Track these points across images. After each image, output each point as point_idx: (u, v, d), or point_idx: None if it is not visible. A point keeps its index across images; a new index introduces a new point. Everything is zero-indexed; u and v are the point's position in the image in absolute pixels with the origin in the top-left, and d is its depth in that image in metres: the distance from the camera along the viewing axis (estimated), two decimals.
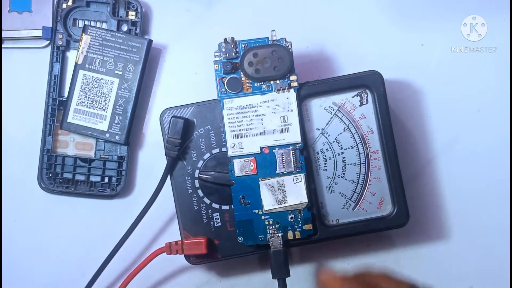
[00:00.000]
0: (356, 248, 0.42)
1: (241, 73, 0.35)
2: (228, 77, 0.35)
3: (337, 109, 0.38)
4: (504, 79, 0.43)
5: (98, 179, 0.42)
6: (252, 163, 0.35)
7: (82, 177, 0.42)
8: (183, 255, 0.38)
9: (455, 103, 0.43)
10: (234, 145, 0.35)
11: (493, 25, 0.43)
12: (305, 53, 0.43)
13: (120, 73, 0.40)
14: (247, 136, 0.35)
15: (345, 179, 0.37)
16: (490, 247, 0.43)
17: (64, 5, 0.42)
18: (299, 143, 0.35)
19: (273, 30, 0.35)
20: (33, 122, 0.42)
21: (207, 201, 0.38)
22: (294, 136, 0.35)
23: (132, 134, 0.42)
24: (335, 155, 0.37)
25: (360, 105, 0.38)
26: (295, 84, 0.35)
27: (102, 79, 0.40)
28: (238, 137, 0.35)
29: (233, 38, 0.35)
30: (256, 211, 0.35)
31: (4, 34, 0.42)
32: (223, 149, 0.38)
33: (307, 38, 0.44)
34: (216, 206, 0.38)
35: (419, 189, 0.43)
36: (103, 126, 0.41)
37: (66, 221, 0.42)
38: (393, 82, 0.43)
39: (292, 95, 0.35)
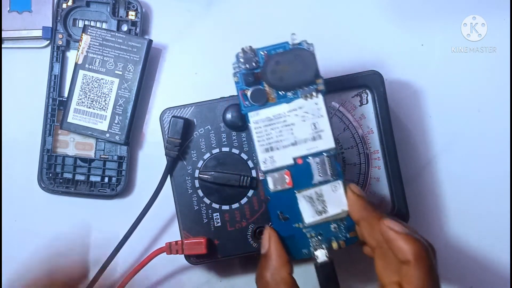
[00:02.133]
0: (355, 248, 0.42)
1: (264, 83, 0.32)
2: (251, 89, 0.32)
3: (337, 109, 0.38)
4: (504, 79, 0.43)
5: (98, 179, 0.42)
6: (286, 176, 0.33)
7: (82, 177, 0.42)
8: (183, 255, 0.38)
9: (455, 103, 0.43)
10: (265, 160, 0.32)
11: (493, 25, 0.43)
12: None
13: (120, 73, 0.40)
14: (278, 149, 0.32)
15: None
16: (490, 247, 0.43)
17: (64, 5, 0.42)
18: (333, 149, 0.33)
19: (294, 34, 0.32)
20: (33, 122, 0.42)
21: (207, 201, 0.38)
22: (327, 142, 0.32)
23: (132, 134, 0.42)
24: None
25: (360, 105, 0.38)
26: (322, 87, 0.32)
27: (102, 79, 0.40)
28: (269, 151, 0.32)
29: (251, 47, 0.32)
30: (297, 225, 0.33)
31: (4, 34, 0.42)
32: (223, 149, 0.38)
33: (307, 38, 0.43)
34: (216, 206, 0.38)
35: (419, 189, 0.43)
36: (103, 126, 0.41)
37: (66, 221, 0.42)
38: (393, 82, 0.43)
39: (320, 100, 0.32)
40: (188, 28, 0.44)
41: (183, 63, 0.44)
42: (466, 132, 0.43)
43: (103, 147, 0.42)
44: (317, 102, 0.32)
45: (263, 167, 0.32)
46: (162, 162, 0.39)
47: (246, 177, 0.37)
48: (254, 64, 0.32)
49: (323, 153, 0.33)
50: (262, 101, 0.32)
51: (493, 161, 0.43)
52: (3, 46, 0.43)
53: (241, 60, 0.32)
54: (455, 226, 0.43)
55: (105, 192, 0.42)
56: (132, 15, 0.42)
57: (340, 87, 0.37)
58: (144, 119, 0.43)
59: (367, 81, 0.37)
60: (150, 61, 0.42)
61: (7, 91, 0.43)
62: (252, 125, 0.32)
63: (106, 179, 0.42)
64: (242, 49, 0.32)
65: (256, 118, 0.32)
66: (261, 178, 0.33)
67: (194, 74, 0.43)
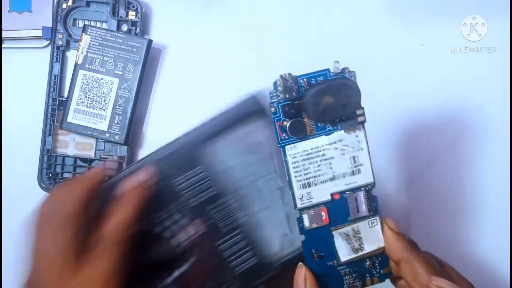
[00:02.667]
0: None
1: (304, 114, 0.30)
2: (290, 121, 0.29)
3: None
4: (504, 79, 0.43)
5: None
6: (323, 213, 0.31)
7: None
8: None
9: (455, 103, 0.43)
10: (302, 196, 0.30)
11: (493, 25, 0.43)
12: (305, 53, 0.43)
13: (120, 73, 0.40)
14: (315, 184, 0.30)
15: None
16: (490, 247, 0.43)
17: (64, 5, 0.42)
18: (371, 183, 0.31)
19: (337, 62, 0.31)
20: (33, 122, 0.42)
21: None
22: (366, 176, 0.31)
23: (132, 134, 0.42)
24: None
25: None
26: (362, 119, 0.30)
27: (102, 79, 0.40)
28: (306, 187, 0.30)
29: (290, 74, 0.29)
30: (331, 263, 0.31)
31: (4, 34, 0.42)
32: None
33: (307, 38, 0.44)
34: None
35: (419, 189, 0.43)
36: (103, 126, 0.41)
37: None
38: (393, 82, 0.43)
39: (361, 132, 0.30)
40: (188, 28, 0.44)
41: (183, 63, 0.44)
42: (466, 132, 0.43)
43: (103, 147, 0.42)
44: (358, 135, 0.30)
45: (299, 204, 0.30)
46: None
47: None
48: (294, 94, 0.29)
49: (361, 188, 0.31)
50: (301, 134, 0.30)
51: (493, 161, 0.43)
52: (3, 46, 0.43)
53: (280, 88, 0.29)
54: (455, 226, 0.43)
55: None
56: (132, 15, 0.42)
57: (224, 127, 0.34)
58: (144, 119, 0.43)
59: (249, 111, 0.34)
60: (150, 61, 0.42)
61: (7, 91, 0.43)
62: (289, 159, 0.30)
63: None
64: (281, 76, 0.29)
65: (294, 152, 0.30)
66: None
67: (194, 74, 0.43)
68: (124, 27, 0.42)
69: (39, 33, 0.42)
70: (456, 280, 0.30)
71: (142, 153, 0.43)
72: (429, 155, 0.43)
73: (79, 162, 0.42)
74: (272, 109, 0.30)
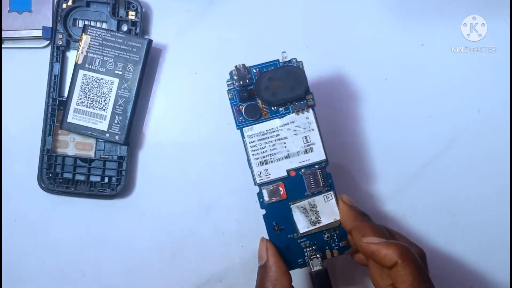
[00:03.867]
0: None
1: (258, 99, 0.34)
2: (245, 105, 0.34)
3: None
4: (504, 79, 0.43)
5: (98, 179, 0.42)
6: (281, 188, 0.34)
7: (82, 177, 0.42)
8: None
9: (455, 103, 0.43)
10: (260, 173, 0.34)
11: (493, 25, 0.43)
12: (305, 53, 0.43)
13: (120, 73, 0.40)
14: (272, 162, 0.34)
15: None
16: (490, 247, 0.43)
17: (64, 5, 0.42)
18: (324, 160, 0.34)
19: (284, 52, 0.34)
20: (33, 122, 0.42)
21: None
22: (318, 155, 0.34)
23: (132, 134, 0.42)
24: None
25: None
26: (312, 102, 0.34)
27: (102, 79, 0.40)
28: (264, 164, 0.34)
29: (244, 65, 0.34)
30: (291, 235, 0.35)
31: (4, 34, 0.42)
32: None
33: (307, 38, 0.44)
34: None
35: (419, 189, 0.43)
36: (103, 126, 0.41)
37: (66, 221, 0.42)
38: (393, 82, 0.43)
39: (310, 114, 0.34)
40: (188, 28, 0.44)
41: (183, 63, 0.43)
42: (466, 132, 0.43)
43: (103, 147, 0.42)
44: (308, 117, 0.34)
45: (258, 180, 0.34)
46: (162, 162, 0.39)
47: None
48: (247, 81, 0.34)
49: (315, 165, 0.34)
50: (256, 116, 0.34)
51: (493, 161, 0.43)
52: (3, 46, 0.43)
53: (235, 77, 0.34)
54: (455, 226, 0.43)
55: (105, 192, 0.42)
56: (132, 15, 0.42)
57: None
58: (144, 119, 0.43)
59: None
60: (150, 61, 0.42)
61: (7, 91, 0.43)
62: (247, 140, 0.34)
63: (106, 179, 0.42)
64: (236, 67, 0.34)
65: (250, 132, 0.34)
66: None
67: (194, 74, 0.43)
68: (124, 27, 0.42)
69: (39, 33, 0.42)
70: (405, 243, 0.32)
71: (142, 153, 0.43)
72: (429, 155, 0.43)
73: (79, 162, 0.42)
74: (229, 96, 0.34)
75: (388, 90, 0.43)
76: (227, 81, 0.34)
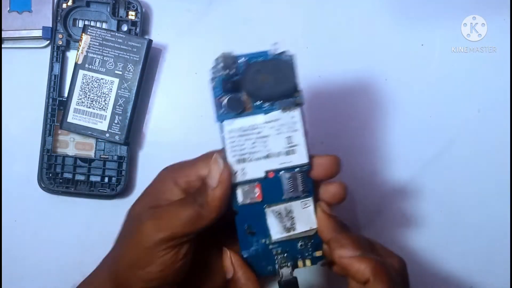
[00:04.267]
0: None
1: (243, 91, 0.31)
2: (228, 96, 0.31)
3: None
4: (504, 79, 0.43)
5: (98, 179, 0.42)
6: (257, 189, 0.31)
7: (82, 177, 0.42)
8: None
9: (455, 103, 0.43)
10: (237, 171, 0.31)
11: (493, 25, 0.43)
12: (305, 54, 0.43)
13: (120, 73, 0.40)
14: (250, 161, 0.31)
15: None
16: (490, 247, 0.43)
17: (64, 5, 0.42)
18: (306, 164, 0.31)
19: (276, 43, 0.31)
20: (33, 122, 0.42)
21: None
22: (300, 157, 0.31)
23: (132, 134, 0.42)
24: None
25: None
26: (300, 101, 0.31)
27: (102, 79, 0.40)
28: (241, 162, 0.31)
29: (231, 53, 0.31)
30: (263, 240, 0.32)
31: (4, 34, 0.42)
32: None
33: (307, 38, 0.44)
34: None
35: (419, 189, 0.43)
36: (103, 126, 0.41)
37: (66, 221, 0.42)
38: (393, 82, 0.43)
39: (297, 113, 0.31)
40: (188, 28, 0.44)
41: (183, 63, 0.43)
42: (466, 132, 0.43)
43: (103, 147, 0.42)
44: (294, 116, 0.31)
45: (233, 178, 0.31)
46: (162, 162, 0.39)
47: None
48: (234, 70, 0.31)
49: (296, 169, 0.31)
50: (238, 109, 0.31)
51: (493, 161, 0.43)
52: (3, 46, 0.43)
53: (220, 65, 0.31)
54: (455, 226, 0.43)
55: (105, 192, 0.42)
56: (132, 15, 0.42)
57: None
58: (144, 119, 0.43)
59: None
60: (150, 61, 0.42)
61: (7, 91, 0.43)
62: (226, 135, 0.31)
63: (106, 179, 0.42)
64: (222, 53, 0.31)
65: (231, 127, 0.31)
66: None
67: (194, 74, 0.43)
68: (124, 27, 0.42)
69: (39, 33, 0.42)
70: (384, 255, 0.31)
71: (142, 153, 0.43)
72: (429, 155, 0.43)
73: (79, 162, 0.42)
74: (212, 84, 0.31)
75: (388, 90, 0.43)
76: (211, 68, 0.31)
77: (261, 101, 0.31)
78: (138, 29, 0.42)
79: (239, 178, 0.31)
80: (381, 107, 0.43)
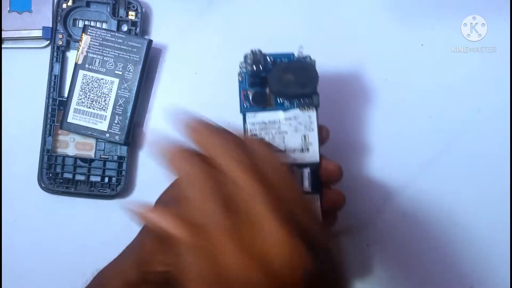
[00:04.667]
0: (356, 247, 0.42)
1: (268, 88, 0.34)
2: (255, 91, 0.33)
3: None
4: (504, 79, 0.43)
5: (98, 179, 0.42)
6: None
7: (82, 177, 0.42)
8: None
9: (455, 103, 0.43)
10: None
11: (493, 25, 0.43)
12: (304, 53, 0.43)
13: (120, 73, 0.40)
14: None
15: None
16: (490, 247, 0.43)
17: (64, 5, 0.42)
18: (316, 163, 0.34)
19: (301, 46, 0.34)
20: (33, 122, 0.42)
21: None
22: (312, 156, 0.33)
23: (132, 134, 0.42)
24: None
25: None
26: (317, 103, 0.34)
27: (102, 79, 0.40)
28: None
29: (260, 51, 0.33)
30: None
31: (4, 34, 0.42)
32: None
33: (306, 38, 0.43)
34: None
35: (418, 189, 0.43)
36: (103, 126, 0.41)
37: (66, 221, 0.42)
38: (393, 82, 0.43)
39: (313, 114, 0.34)
40: (188, 28, 0.44)
41: (183, 63, 0.43)
42: (466, 132, 0.43)
43: (103, 147, 0.42)
44: (311, 116, 0.34)
45: None
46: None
47: None
48: (260, 67, 0.33)
49: (307, 166, 0.33)
50: (262, 104, 0.33)
51: (493, 161, 0.43)
52: (3, 46, 0.43)
53: (249, 61, 0.33)
54: (455, 226, 0.43)
55: (105, 192, 0.42)
56: (132, 15, 0.42)
57: None
58: (144, 119, 0.43)
59: None
60: (150, 61, 0.42)
61: (7, 91, 0.43)
62: (248, 126, 0.33)
63: (106, 179, 0.42)
64: (252, 50, 0.33)
65: (253, 120, 0.33)
66: None
67: (194, 74, 0.43)
68: (124, 27, 0.42)
69: (39, 33, 0.42)
70: None
71: (142, 153, 0.43)
72: (429, 155, 0.43)
73: (79, 162, 0.42)
74: (240, 78, 0.34)
75: (388, 90, 0.43)
76: (240, 64, 0.34)
77: (283, 99, 0.34)
78: (138, 29, 0.42)
79: None
80: (381, 107, 0.43)
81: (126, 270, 0.32)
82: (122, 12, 0.42)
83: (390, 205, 0.43)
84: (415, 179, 0.43)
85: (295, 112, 0.34)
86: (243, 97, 0.34)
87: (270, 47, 0.43)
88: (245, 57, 0.33)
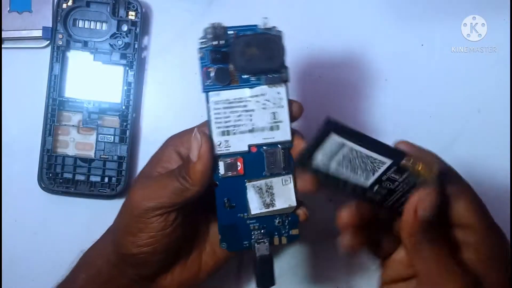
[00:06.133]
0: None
1: (230, 63, 0.31)
2: (216, 67, 0.30)
3: None
4: (504, 79, 0.43)
5: (98, 179, 0.42)
6: (239, 163, 0.31)
7: (82, 177, 0.42)
8: None
9: (455, 103, 0.43)
10: (220, 143, 0.31)
11: (493, 25, 0.43)
12: (305, 53, 0.43)
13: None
14: (234, 133, 0.31)
15: None
16: None
17: (64, 5, 0.42)
18: (288, 141, 0.32)
19: (266, 18, 0.31)
20: (33, 122, 0.42)
21: None
22: (284, 134, 0.31)
23: (132, 134, 0.42)
24: None
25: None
26: (285, 77, 0.31)
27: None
28: (225, 134, 0.31)
29: (220, 24, 0.30)
30: (241, 215, 0.32)
31: (4, 34, 0.42)
32: None
33: (307, 39, 0.44)
34: None
35: None
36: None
37: (66, 221, 0.42)
38: (393, 82, 0.43)
39: (283, 90, 0.31)
40: (188, 28, 0.44)
41: (183, 63, 0.43)
42: (466, 132, 0.43)
43: (103, 147, 0.42)
44: (280, 92, 0.31)
45: (217, 150, 0.31)
46: None
47: None
48: (222, 42, 0.30)
49: (279, 145, 0.32)
50: (225, 81, 0.31)
51: (493, 161, 0.43)
52: (3, 46, 0.43)
53: (209, 35, 0.30)
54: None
55: (105, 192, 0.42)
56: (132, 15, 0.42)
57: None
58: (145, 119, 0.43)
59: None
60: (150, 61, 0.42)
61: (7, 91, 0.43)
62: (211, 105, 0.31)
63: (106, 179, 0.42)
64: (212, 24, 0.30)
65: (217, 98, 0.31)
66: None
67: (194, 74, 0.43)
68: (124, 27, 0.42)
69: (39, 33, 0.42)
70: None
71: (142, 153, 0.43)
72: None
73: (79, 162, 0.42)
74: (200, 55, 0.31)
75: (388, 90, 0.43)
76: (200, 39, 0.31)
77: (248, 75, 0.31)
78: (138, 29, 0.42)
79: (222, 150, 0.31)
80: (381, 107, 0.43)
81: (107, 249, 0.34)
82: (122, 12, 0.42)
83: None
84: None
85: (263, 88, 0.31)
86: (205, 74, 0.31)
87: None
88: (205, 30, 0.31)
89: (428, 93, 0.43)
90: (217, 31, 0.30)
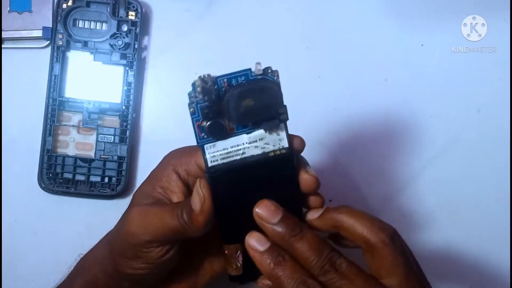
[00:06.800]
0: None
1: (225, 117, 0.28)
2: (209, 123, 0.28)
3: None
4: (504, 79, 0.43)
5: (98, 179, 0.42)
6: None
7: (82, 177, 0.42)
8: None
9: (455, 103, 0.43)
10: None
11: (493, 25, 0.43)
12: (305, 54, 0.43)
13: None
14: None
15: None
16: (490, 247, 0.43)
17: (64, 5, 0.42)
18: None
19: (258, 63, 0.28)
20: (33, 122, 0.42)
21: None
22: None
23: (132, 134, 0.42)
24: None
25: None
26: (285, 117, 0.28)
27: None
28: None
29: (209, 75, 0.27)
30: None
31: (4, 34, 0.42)
32: None
33: (307, 38, 0.44)
34: None
35: (419, 189, 0.43)
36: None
37: (66, 221, 0.42)
38: (393, 82, 0.43)
39: (283, 132, 0.29)
40: (188, 28, 0.44)
41: (182, 63, 0.43)
42: (466, 132, 0.43)
43: (103, 147, 0.42)
44: (280, 133, 0.29)
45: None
46: None
47: None
48: (213, 96, 0.28)
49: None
50: (220, 136, 0.29)
51: (493, 161, 0.43)
52: (3, 46, 0.43)
53: (198, 90, 0.27)
54: (455, 226, 0.43)
55: (105, 192, 0.42)
56: (132, 15, 0.42)
57: None
58: (145, 119, 0.43)
59: None
60: (150, 61, 0.42)
61: (7, 91, 0.43)
62: (208, 158, 0.29)
63: (106, 179, 0.42)
64: (200, 77, 0.27)
65: (213, 150, 0.29)
66: None
67: (194, 74, 0.43)
68: (124, 27, 0.42)
69: (39, 33, 0.42)
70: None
71: (142, 153, 0.43)
72: (429, 155, 0.43)
73: (79, 162, 0.42)
74: (191, 110, 0.29)
75: (388, 90, 0.43)
76: (189, 93, 0.28)
77: (245, 126, 0.29)
78: (138, 29, 0.42)
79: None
80: (381, 107, 0.43)
81: (105, 259, 0.33)
82: (122, 12, 0.42)
83: (391, 205, 0.43)
84: (415, 179, 0.43)
85: (261, 133, 0.29)
86: (198, 128, 0.28)
87: (270, 47, 0.43)
88: (193, 85, 0.28)
89: (428, 93, 0.43)
90: (205, 85, 0.27)
